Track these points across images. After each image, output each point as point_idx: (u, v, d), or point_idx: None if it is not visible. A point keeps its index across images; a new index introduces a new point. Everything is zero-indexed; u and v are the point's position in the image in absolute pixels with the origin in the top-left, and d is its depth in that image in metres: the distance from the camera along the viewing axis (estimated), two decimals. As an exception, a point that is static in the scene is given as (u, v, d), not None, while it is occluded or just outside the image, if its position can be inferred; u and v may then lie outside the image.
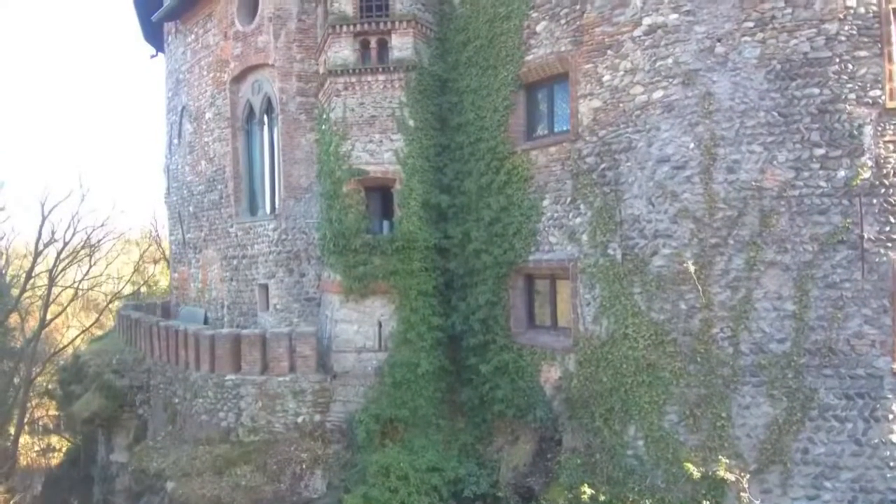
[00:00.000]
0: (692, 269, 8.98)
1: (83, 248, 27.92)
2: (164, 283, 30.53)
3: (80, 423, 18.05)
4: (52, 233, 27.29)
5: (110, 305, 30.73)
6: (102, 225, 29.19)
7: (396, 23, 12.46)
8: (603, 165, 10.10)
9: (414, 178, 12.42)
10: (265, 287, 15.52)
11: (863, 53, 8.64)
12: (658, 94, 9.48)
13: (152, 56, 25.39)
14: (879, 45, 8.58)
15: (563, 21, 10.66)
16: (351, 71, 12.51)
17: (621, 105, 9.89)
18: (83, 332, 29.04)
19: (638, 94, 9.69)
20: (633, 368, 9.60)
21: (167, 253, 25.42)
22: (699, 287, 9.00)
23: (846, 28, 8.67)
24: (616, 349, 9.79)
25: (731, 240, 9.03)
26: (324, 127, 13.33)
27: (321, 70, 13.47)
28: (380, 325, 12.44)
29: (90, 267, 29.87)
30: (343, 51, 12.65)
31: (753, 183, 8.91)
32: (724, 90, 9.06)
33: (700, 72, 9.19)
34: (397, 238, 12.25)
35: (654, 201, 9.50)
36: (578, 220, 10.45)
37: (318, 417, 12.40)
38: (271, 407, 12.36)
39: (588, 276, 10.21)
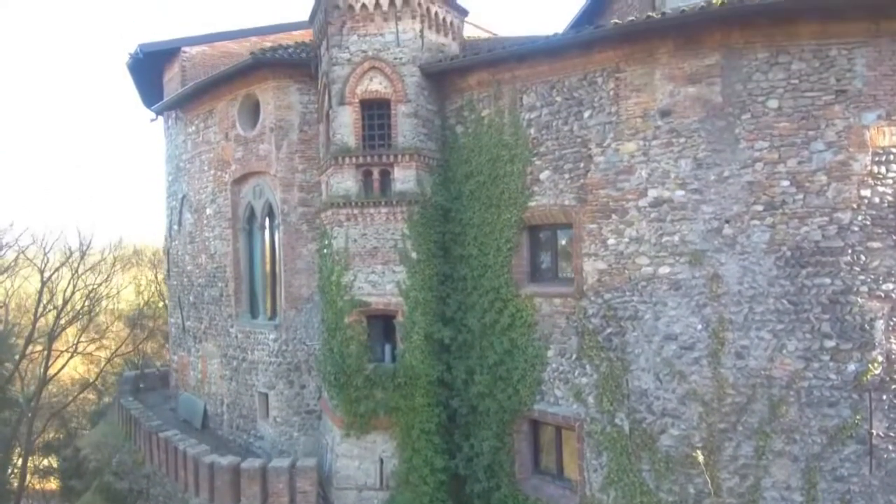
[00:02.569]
0: (701, 458, 8.82)
1: (83, 307, 27.78)
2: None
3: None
4: (52, 295, 27.14)
5: (115, 347, 30.80)
6: (102, 284, 29.03)
7: (399, 156, 12.33)
8: (609, 330, 9.96)
9: (416, 310, 12.27)
10: (265, 396, 15.37)
11: (876, 245, 8.50)
12: (665, 270, 9.34)
13: (152, 120, 25.39)
14: (894, 237, 8.44)
15: (566, 175, 10.54)
16: (353, 203, 12.38)
17: (627, 272, 9.75)
18: (83, 390, 28.92)
19: (644, 265, 9.56)
20: (641, 546, 9.44)
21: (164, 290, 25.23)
22: (708, 476, 8.84)
23: (859, 218, 8.53)
24: (624, 523, 9.63)
25: (740, 426, 8.88)
26: (325, 251, 13.20)
27: (323, 196, 13.34)
28: (381, 461, 12.28)
29: (89, 322, 29.72)
30: (346, 181, 12.51)
31: (763, 371, 8.76)
32: (733, 273, 8.92)
33: (707, 252, 9.06)
34: (399, 373, 12.09)
35: (662, 378, 9.35)
36: (584, 380, 10.30)
37: (318, 556, 12.24)
38: (271, 545, 12.19)
39: (595, 441, 10.06)
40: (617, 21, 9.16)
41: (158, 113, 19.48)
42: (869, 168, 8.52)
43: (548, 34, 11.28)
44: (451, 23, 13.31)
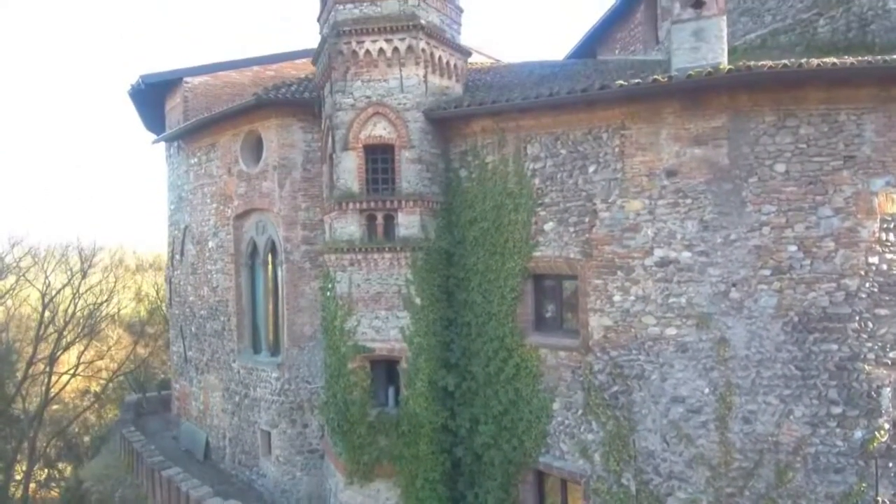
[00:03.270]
0: (708, 527, 8.78)
1: (83, 329, 27.74)
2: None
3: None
4: (53, 315, 27.10)
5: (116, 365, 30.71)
6: (104, 302, 28.98)
7: (402, 201, 12.29)
8: (615, 388, 9.91)
9: (420, 357, 12.22)
10: (267, 434, 15.32)
11: (884, 312, 8.46)
12: (672, 332, 9.30)
13: (153, 142, 25.37)
14: (899, 305, 8.40)
15: (571, 228, 10.51)
16: (357, 248, 12.34)
17: (633, 330, 9.71)
18: (83, 412, 28.86)
19: (651, 325, 9.51)
20: None
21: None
22: (716, 543, 8.80)
23: (867, 285, 8.50)
24: (630, 583, 9.58)
25: (747, 491, 8.83)
26: (328, 293, 13.15)
27: (326, 236, 13.29)
28: (385, 509, 12.24)
29: (90, 342, 29.65)
30: (349, 226, 12.47)
31: (770, 437, 8.72)
32: (740, 338, 8.88)
33: (715, 316, 9.01)
34: (403, 421, 12.05)
35: (669, 440, 9.30)
36: (591, 436, 10.25)
37: None
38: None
39: (602, 499, 10.00)
40: (622, 83, 9.12)
41: (160, 141, 19.41)
42: (877, 235, 8.48)
43: (551, 83, 11.27)
44: (455, 65, 13.28)
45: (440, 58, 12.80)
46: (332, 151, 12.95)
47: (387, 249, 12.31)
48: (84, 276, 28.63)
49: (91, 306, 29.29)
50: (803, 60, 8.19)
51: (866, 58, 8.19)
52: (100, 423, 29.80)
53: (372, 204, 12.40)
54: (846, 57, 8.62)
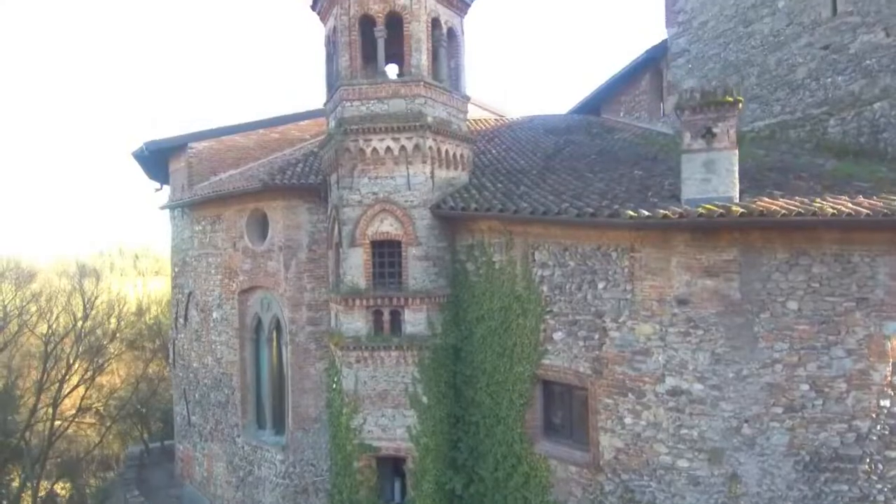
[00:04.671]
0: None
1: (88, 371, 27.66)
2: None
3: None
4: (56, 360, 27.01)
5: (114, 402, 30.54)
6: (108, 343, 28.93)
7: (409, 299, 12.25)
8: (625, 511, 9.85)
9: (427, 457, 12.15)
10: (273, 515, 15.26)
11: (894, 454, 8.42)
12: (683, 464, 9.24)
13: (157, 190, 25.34)
14: (912, 450, 8.35)
15: (580, 342, 10.45)
16: (363, 346, 12.28)
17: (644, 456, 9.64)
18: (87, 452, 28.77)
19: (662, 453, 9.45)
20: None
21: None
22: None
23: (878, 427, 8.45)
24: None
25: None
26: (334, 386, 13.10)
27: (331, 323, 13.22)
28: None
29: (92, 382, 29.53)
30: (356, 322, 12.43)
31: (783, 578, 8.65)
32: (752, 474, 8.83)
33: (727, 451, 8.96)
34: (410, 524, 12.00)
35: (679, 573, 9.23)
36: (599, 556, 10.18)
37: None
38: None
39: None
40: (632, 213, 9.05)
41: (166, 209, 19.37)
42: (889, 379, 8.45)
43: (560, 194, 11.22)
44: (462, 155, 13.25)
45: (447, 151, 12.78)
46: (337, 241, 12.91)
47: (393, 347, 12.26)
48: (86, 318, 28.51)
49: (93, 346, 29.14)
50: (817, 207, 8.15)
51: (881, 205, 8.14)
52: (104, 454, 29.52)
53: (378, 301, 12.36)
54: (860, 197, 8.60)
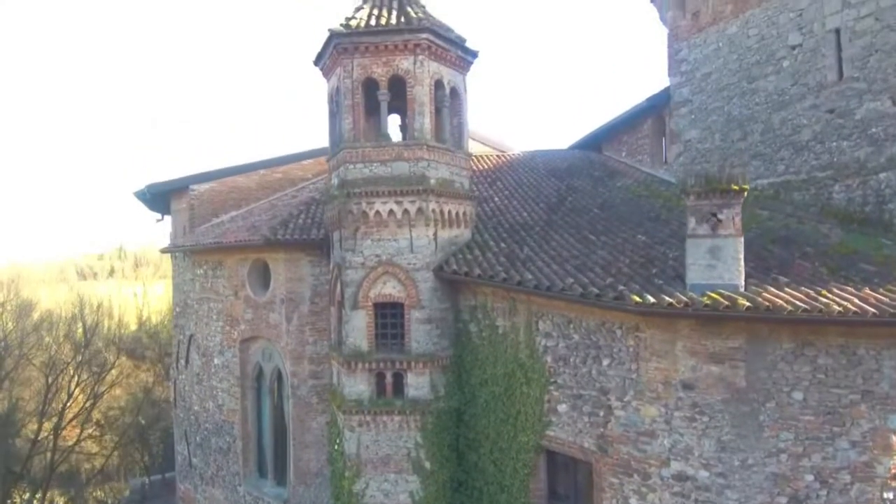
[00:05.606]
0: None
1: (85, 405, 27.64)
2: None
3: None
4: (57, 390, 27.00)
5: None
6: (108, 372, 28.90)
7: (412, 362, 12.21)
8: (630, 593, 9.79)
9: (430, 525, 12.12)
10: (275, 570, 15.22)
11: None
12: (688, 551, 9.18)
13: (158, 220, 25.32)
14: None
15: (585, 417, 10.40)
16: (366, 410, 12.24)
17: (649, 539, 9.58)
18: (90, 479, 28.77)
19: (667, 538, 9.39)
20: None
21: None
22: None
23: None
24: None
25: None
26: (336, 447, 13.06)
27: (333, 379, 13.17)
28: None
29: (93, 407, 29.49)
30: (358, 385, 12.38)
31: None
32: (758, 565, 8.77)
33: (733, 544, 8.90)
34: (412, 592, 11.94)
35: None
36: None
37: None
38: None
39: None
40: (638, 299, 9.00)
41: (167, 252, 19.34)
42: (893, 472, 8.40)
43: (563, 262, 11.18)
44: (464, 212, 13.21)
45: (450, 211, 12.74)
46: (340, 299, 12.88)
47: (396, 412, 12.22)
48: (86, 346, 28.48)
49: (95, 376, 29.11)
50: (823, 305, 8.11)
51: (886, 301, 8.11)
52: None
53: (381, 364, 12.32)
54: (866, 289, 8.57)
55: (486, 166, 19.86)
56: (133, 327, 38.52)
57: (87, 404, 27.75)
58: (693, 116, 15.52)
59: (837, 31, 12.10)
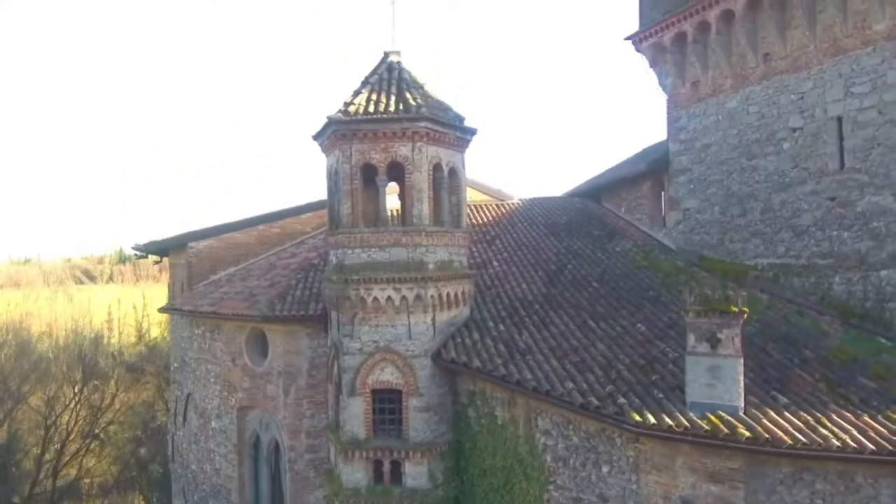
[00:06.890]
0: None
1: (83, 444, 27.58)
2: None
3: None
4: (56, 428, 26.94)
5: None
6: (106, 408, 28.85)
7: (410, 452, 12.13)
8: None
9: None
10: None
11: None
12: None
13: (156, 262, 25.28)
14: None
15: (585, 516, 10.30)
16: (364, 500, 12.16)
17: None
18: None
19: None
20: None
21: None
22: None
23: None
24: None
25: None
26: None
27: (331, 456, 13.09)
28: None
29: (92, 441, 29.42)
30: (356, 473, 12.30)
31: None
32: None
33: None
34: None
35: None
36: None
37: None
38: None
39: None
40: (637, 419, 8.92)
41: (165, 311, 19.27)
42: None
43: (562, 358, 11.11)
44: (463, 292, 13.13)
45: (448, 294, 12.66)
46: (337, 380, 12.82)
47: (394, 502, 12.12)
48: (86, 383, 28.40)
49: (94, 408, 29.00)
50: (821, 439, 8.06)
51: (885, 434, 8.05)
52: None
53: (379, 453, 12.24)
54: (865, 416, 8.49)
55: (485, 219, 19.82)
56: (132, 339, 38.51)
57: (86, 443, 27.64)
58: (692, 186, 15.46)
59: (839, 120, 12.04)
